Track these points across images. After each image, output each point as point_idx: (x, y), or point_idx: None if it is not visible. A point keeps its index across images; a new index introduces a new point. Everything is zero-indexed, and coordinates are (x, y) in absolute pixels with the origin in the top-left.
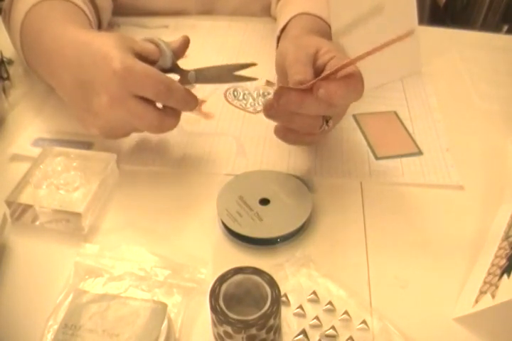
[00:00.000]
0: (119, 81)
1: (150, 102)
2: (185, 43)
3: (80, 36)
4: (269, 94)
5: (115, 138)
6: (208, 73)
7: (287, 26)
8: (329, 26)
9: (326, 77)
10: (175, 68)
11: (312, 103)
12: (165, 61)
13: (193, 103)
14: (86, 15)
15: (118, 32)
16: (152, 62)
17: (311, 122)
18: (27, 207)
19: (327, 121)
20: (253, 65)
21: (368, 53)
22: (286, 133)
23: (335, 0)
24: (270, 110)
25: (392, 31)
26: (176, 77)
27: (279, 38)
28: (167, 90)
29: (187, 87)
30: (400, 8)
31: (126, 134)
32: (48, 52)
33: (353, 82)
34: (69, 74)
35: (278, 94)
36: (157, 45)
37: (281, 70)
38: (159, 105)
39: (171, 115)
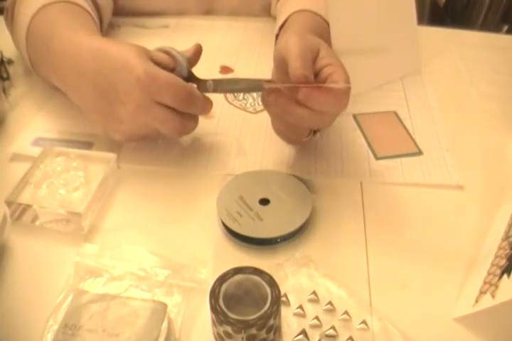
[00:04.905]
0: (142, 89)
1: (172, 108)
2: (199, 52)
3: (95, 42)
4: None
5: (135, 141)
6: (227, 84)
7: (286, 22)
8: (327, 24)
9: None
10: (191, 77)
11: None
12: (182, 70)
13: (210, 109)
14: (92, 17)
15: (118, 33)
16: (168, 71)
17: (299, 131)
18: (27, 207)
19: (315, 132)
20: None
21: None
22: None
23: (334, 5)
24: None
25: (391, 32)
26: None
27: (277, 36)
28: (188, 98)
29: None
30: (399, 9)
31: (147, 137)
32: (60, 57)
33: (337, 93)
34: (86, 80)
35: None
36: (170, 54)
37: (280, 60)
38: None
39: (190, 119)
